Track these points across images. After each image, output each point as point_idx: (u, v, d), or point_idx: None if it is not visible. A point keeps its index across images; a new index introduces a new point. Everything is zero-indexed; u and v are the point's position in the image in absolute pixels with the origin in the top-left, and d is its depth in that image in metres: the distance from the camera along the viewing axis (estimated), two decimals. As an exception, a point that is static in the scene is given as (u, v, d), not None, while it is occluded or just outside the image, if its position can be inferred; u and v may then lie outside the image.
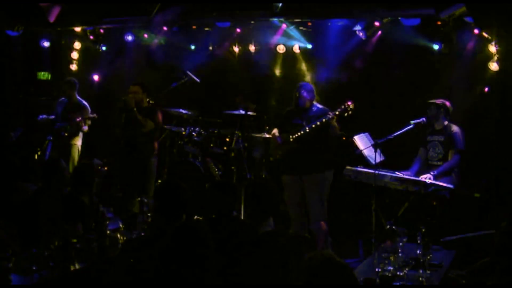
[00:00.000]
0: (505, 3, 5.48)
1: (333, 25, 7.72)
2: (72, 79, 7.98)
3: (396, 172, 6.20)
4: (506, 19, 5.58)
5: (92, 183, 4.97)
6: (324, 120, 5.79)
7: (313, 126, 5.86)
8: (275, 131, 6.31)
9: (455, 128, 6.28)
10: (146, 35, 8.82)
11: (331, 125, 5.82)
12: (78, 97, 7.88)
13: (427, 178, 5.94)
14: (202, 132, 7.95)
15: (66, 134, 7.60)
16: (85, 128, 7.69)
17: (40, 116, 7.92)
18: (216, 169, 7.77)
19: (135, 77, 8.82)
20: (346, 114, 5.79)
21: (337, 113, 5.78)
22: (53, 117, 7.88)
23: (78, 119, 7.51)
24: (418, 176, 6.09)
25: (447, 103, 6.34)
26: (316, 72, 8.36)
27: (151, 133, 6.67)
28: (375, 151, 5.85)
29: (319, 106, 6.15)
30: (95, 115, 7.72)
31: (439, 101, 6.33)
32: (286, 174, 6.21)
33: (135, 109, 6.50)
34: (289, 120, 6.20)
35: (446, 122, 6.34)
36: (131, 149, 6.73)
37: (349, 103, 5.77)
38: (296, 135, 5.95)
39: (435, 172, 6.04)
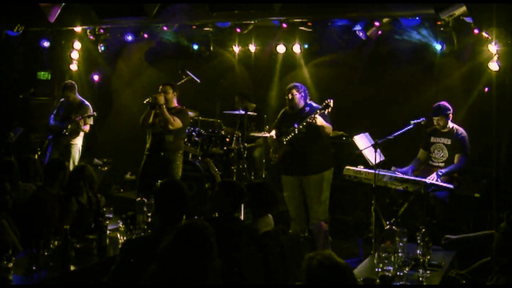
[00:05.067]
0: (505, 3, 5.48)
1: (333, 25, 7.72)
2: (69, 82, 7.92)
3: (396, 172, 6.20)
4: (506, 19, 5.57)
5: (84, 185, 4.95)
6: (308, 120, 5.78)
7: (300, 126, 5.86)
8: (273, 133, 6.30)
9: (462, 132, 6.21)
10: (146, 35, 8.83)
11: (320, 124, 5.81)
12: (80, 97, 7.87)
13: (433, 179, 5.91)
14: (202, 132, 7.95)
15: (66, 133, 7.58)
16: (86, 127, 7.67)
17: (51, 122, 7.86)
18: (216, 169, 7.78)
19: (135, 77, 8.84)
20: (326, 112, 5.80)
21: (318, 111, 5.78)
22: (52, 120, 7.85)
23: (78, 118, 7.50)
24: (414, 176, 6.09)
25: (448, 105, 6.28)
26: (315, 73, 8.37)
27: (178, 131, 6.62)
28: (375, 151, 5.84)
29: (314, 105, 6.13)
30: (94, 113, 7.71)
31: (444, 111, 6.20)
32: (285, 174, 6.21)
33: (163, 106, 6.43)
34: (284, 122, 6.20)
35: (451, 124, 6.31)
36: (158, 147, 6.64)
37: (329, 100, 5.77)
38: (288, 137, 5.95)
39: (442, 171, 6.01)
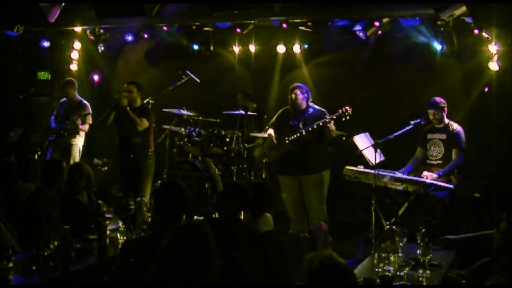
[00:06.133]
0: (505, 3, 5.48)
1: (333, 25, 7.71)
2: (71, 79, 7.95)
3: (396, 172, 6.20)
4: (506, 19, 5.58)
5: (81, 182, 4.95)
6: (321, 123, 5.80)
7: (310, 129, 5.86)
8: (271, 131, 6.29)
9: (457, 127, 6.26)
10: (146, 35, 8.82)
11: (327, 128, 5.83)
12: (79, 97, 7.87)
13: (432, 175, 5.92)
14: (202, 132, 7.95)
15: (65, 134, 7.58)
16: (84, 127, 7.67)
17: (52, 124, 7.85)
18: (216, 169, 7.77)
19: (135, 77, 8.83)
20: (344, 119, 5.79)
21: (334, 117, 5.77)
22: (53, 122, 7.83)
23: (75, 118, 7.50)
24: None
25: (443, 101, 6.31)
26: (315, 72, 8.36)
27: (145, 132, 6.72)
28: (375, 151, 5.85)
29: (315, 107, 6.13)
30: (89, 111, 7.71)
31: (439, 104, 6.25)
32: (283, 174, 6.21)
33: (127, 108, 6.55)
34: (284, 121, 6.18)
35: (446, 120, 6.33)
36: (127, 149, 6.77)
37: (347, 107, 5.75)
38: (292, 138, 5.94)
39: (441, 172, 6.03)
